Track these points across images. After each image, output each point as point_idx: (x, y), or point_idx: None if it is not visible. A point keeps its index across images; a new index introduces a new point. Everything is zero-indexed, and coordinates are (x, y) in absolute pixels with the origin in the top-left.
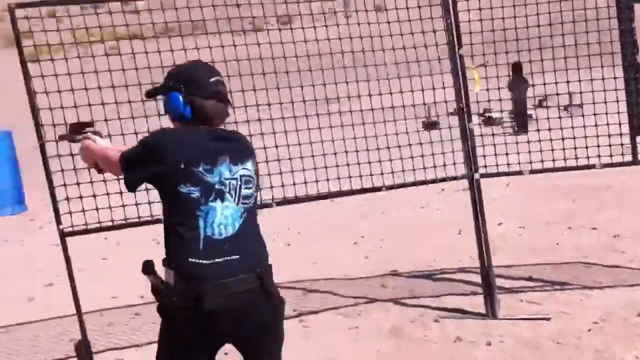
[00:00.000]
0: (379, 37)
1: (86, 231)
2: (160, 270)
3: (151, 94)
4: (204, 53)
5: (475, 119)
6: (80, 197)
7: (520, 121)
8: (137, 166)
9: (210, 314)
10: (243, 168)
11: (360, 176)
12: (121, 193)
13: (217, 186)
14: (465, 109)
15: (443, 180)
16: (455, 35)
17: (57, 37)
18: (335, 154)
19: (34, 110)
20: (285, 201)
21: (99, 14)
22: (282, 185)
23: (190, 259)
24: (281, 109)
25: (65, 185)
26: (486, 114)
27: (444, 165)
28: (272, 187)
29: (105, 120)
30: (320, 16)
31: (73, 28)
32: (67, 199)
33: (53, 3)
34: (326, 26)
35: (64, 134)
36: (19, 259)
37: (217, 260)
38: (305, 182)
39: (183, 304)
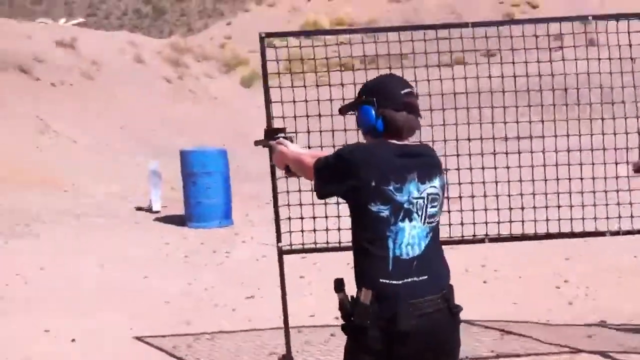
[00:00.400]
0: (595, 74)
1: (302, 250)
2: (350, 289)
3: (345, 110)
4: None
5: None
6: (301, 218)
7: None
8: (330, 177)
9: (401, 335)
10: (431, 186)
11: (571, 219)
12: (338, 217)
13: (405, 205)
14: None
15: None
16: None
17: (274, 66)
18: (545, 194)
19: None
20: (499, 238)
21: (315, 47)
22: (498, 222)
23: (381, 280)
24: (493, 143)
25: (288, 205)
26: None
27: None
28: (486, 222)
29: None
30: (528, 51)
31: (289, 59)
32: (289, 218)
33: (300, 33)
34: (538, 62)
35: (258, 140)
36: (225, 269)
37: (406, 280)
38: (523, 221)
39: (376, 324)
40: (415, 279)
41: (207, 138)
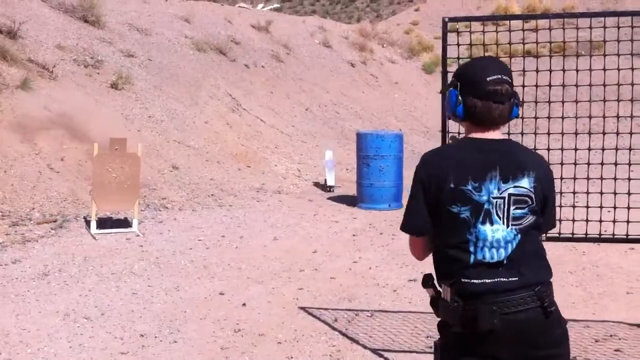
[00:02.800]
0: None
1: None
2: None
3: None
4: (597, 75)
5: None
6: None
7: None
8: (419, 204)
9: (485, 333)
10: (514, 186)
11: None
12: None
13: (485, 206)
14: None
15: None
16: None
17: (455, 51)
18: None
19: (445, 119)
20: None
21: (499, 32)
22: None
23: (463, 280)
24: None
25: None
26: None
27: None
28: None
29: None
30: None
31: (471, 44)
32: None
33: (483, 18)
34: None
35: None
36: (390, 251)
37: (489, 280)
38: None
39: (458, 322)
40: (501, 279)
41: (386, 122)
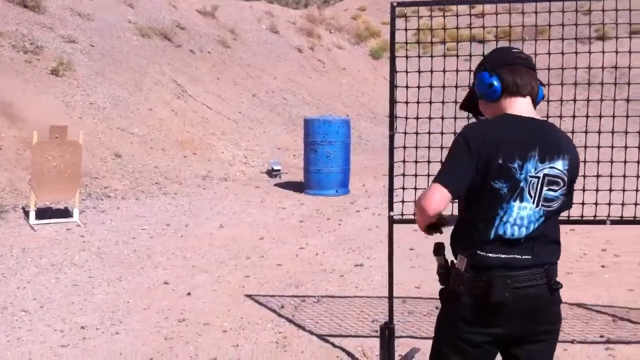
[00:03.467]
0: None
1: (413, 221)
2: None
3: (464, 105)
4: (541, 59)
5: None
6: (415, 189)
7: None
8: (459, 168)
9: (494, 305)
10: (550, 167)
11: None
12: None
13: (521, 184)
14: None
15: None
16: None
17: (403, 35)
18: None
19: (392, 104)
20: (622, 221)
21: (446, 17)
22: (622, 204)
23: (479, 252)
24: (626, 122)
25: (403, 175)
26: None
27: None
28: (609, 203)
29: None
30: None
31: (419, 29)
32: (403, 188)
33: (432, 3)
34: None
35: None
36: (337, 237)
37: (504, 256)
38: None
39: (470, 292)
40: (516, 256)
41: (333, 107)
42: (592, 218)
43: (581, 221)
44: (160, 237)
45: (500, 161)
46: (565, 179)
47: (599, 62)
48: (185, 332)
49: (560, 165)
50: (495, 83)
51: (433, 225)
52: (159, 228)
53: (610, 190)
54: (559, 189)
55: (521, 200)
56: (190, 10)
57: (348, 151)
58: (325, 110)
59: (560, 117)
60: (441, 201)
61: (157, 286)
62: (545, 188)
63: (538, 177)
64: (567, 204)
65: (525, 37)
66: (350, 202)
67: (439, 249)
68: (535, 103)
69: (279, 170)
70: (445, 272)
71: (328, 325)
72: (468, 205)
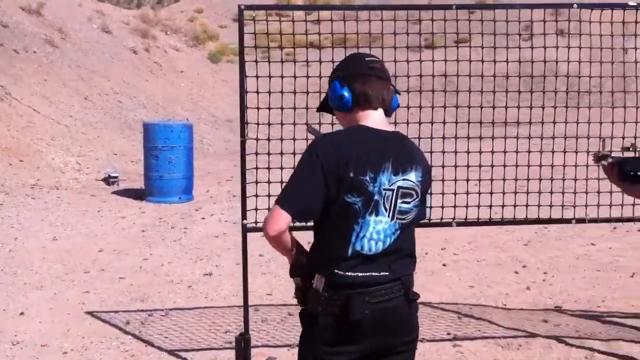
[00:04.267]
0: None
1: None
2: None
3: (320, 108)
4: None
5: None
6: (268, 196)
7: None
8: (309, 185)
9: (353, 324)
10: (403, 179)
11: (539, 206)
12: None
13: (375, 197)
14: None
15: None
16: None
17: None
18: (516, 179)
19: (243, 109)
20: (467, 222)
21: (282, 21)
22: (466, 206)
23: (336, 271)
24: (456, 128)
25: (256, 182)
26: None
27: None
28: (455, 206)
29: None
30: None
31: (256, 33)
32: (256, 195)
33: (279, 7)
34: (507, 48)
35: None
36: (182, 245)
37: (363, 274)
38: (491, 206)
39: (329, 311)
40: (373, 274)
41: (172, 111)
42: (439, 220)
43: (429, 224)
44: None
45: (352, 174)
46: (419, 190)
47: (430, 69)
48: (21, 356)
49: (413, 176)
50: (346, 94)
51: (295, 266)
52: None
53: (455, 193)
54: (412, 201)
55: (377, 214)
56: (14, 7)
57: (191, 156)
58: (164, 114)
59: (395, 123)
60: (281, 224)
61: None
62: (399, 201)
63: (392, 190)
64: (422, 214)
65: (361, 44)
66: (194, 209)
67: (295, 269)
68: (388, 113)
69: (116, 177)
70: (302, 293)
71: (179, 339)
72: (323, 221)
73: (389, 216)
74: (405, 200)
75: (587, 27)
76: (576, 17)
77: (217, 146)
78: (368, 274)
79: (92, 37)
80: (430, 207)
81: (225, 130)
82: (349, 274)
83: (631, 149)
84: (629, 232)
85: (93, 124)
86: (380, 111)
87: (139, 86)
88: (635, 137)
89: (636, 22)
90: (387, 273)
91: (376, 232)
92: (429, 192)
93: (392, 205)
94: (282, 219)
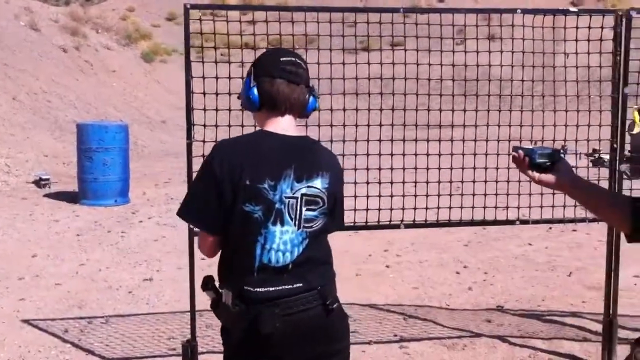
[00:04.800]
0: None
1: None
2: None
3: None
4: (311, 68)
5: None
6: None
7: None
8: (206, 198)
9: (265, 337)
10: (307, 186)
11: (484, 207)
12: None
13: (277, 205)
14: (617, 150)
15: (583, 220)
16: (622, 72)
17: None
18: (451, 182)
19: (189, 111)
20: (415, 224)
21: (216, 21)
22: (415, 208)
23: (245, 287)
24: (392, 130)
25: None
26: (595, 155)
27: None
28: (403, 208)
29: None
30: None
31: (202, 32)
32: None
33: (226, 7)
34: (441, 51)
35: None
36: (120, 250)
37: (270, 289)
38: (427, 208)
39: (239, 326)
40: (285, 286)
41: (105, 112)
42: (388, 223)
43: (379, 226)
44: None
45: (248, 182)
46: (325, 197)
47: (366, 72)
48: None
49: (319, 183)
50: (254, 94)
51: (207, 280)
52: None
53: (404, 195)
54: (317, 209)
55: (282, 224)
56: None
57: (127, 158)
58: (96, 114)
59: (332, 125)
60: (208, 244)
61: None
62: (304, 208)
63: (296, 198)
64: (337, 224)
65: (296, 46)
66: (131, 212)
67: (207, 283)
68: (301, 115)
69: (48, 179)
70: (217, 307)
71: (120, 347)
72: (225, 235)
73: (295, 225)
74: (310, 207)
75: (518, 32)
76: (508, 22)
77: (152, 147)
78: (280, 287)
79: (19, 34)
80: (367, 210)
81: (160, 131)
82: (259, 289)
83: (562, 151)
84: (564, 232)
85: (22, 124)
86: (288, 116)
87: (69, 85)
88: (565, 140)
89: (565, 28)
90: (301, 284)
91: (283, 242)
92: (339, 198)
93: (298, 214)
94: (203, 239)
